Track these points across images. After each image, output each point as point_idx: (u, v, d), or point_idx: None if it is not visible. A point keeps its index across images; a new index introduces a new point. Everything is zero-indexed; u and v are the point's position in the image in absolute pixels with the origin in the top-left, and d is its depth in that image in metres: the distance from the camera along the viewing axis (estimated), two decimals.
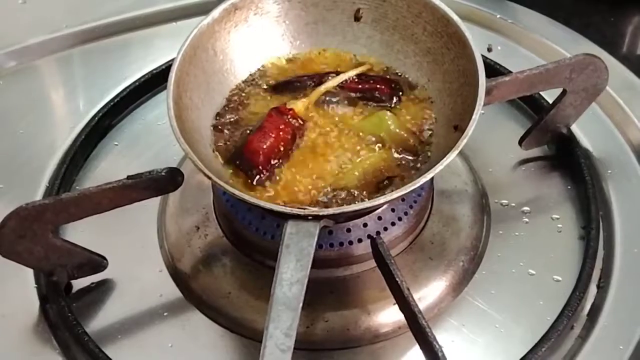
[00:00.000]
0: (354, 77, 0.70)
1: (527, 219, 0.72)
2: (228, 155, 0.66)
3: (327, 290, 0.66)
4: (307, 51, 0.74)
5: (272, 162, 0.65)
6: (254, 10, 0.71)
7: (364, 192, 0.63)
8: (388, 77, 0.71)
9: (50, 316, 0.67)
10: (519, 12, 0.90)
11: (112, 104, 0.83)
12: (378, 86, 0.70)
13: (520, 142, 0.76)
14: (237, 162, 0.65)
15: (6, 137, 0.82)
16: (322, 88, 0.70)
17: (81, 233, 0.71)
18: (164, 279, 0.70)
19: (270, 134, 0.65)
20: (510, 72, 0.74)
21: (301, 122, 0.67)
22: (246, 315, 0.66)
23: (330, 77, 0.70)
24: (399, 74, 0.71)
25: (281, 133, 0.66)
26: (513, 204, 0.74)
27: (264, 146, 0.65)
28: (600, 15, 0.90)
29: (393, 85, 0.70)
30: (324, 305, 0.65)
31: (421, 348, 0.59)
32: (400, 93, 0.70)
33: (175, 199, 0.73)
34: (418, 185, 0.58)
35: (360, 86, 0.70)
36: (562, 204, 0.74)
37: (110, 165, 0.80)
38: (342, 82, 0.70)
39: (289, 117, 0.67)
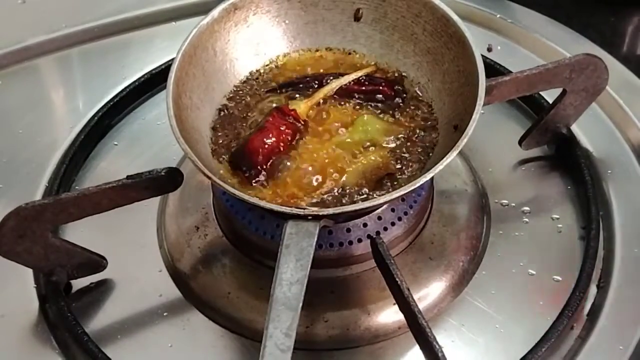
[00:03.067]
0: (357, 79, 0.70)
1: (527, 219, 0.72)
2: (228, 154, 0.66)
3: (327, 290, 0.66)
4: (307, 51, 0.74)
5: (272, 162, 0.65)
6: (254, 10, 0.71)
7: (364, 192, 0.63)
8: (394, 77, 0.71)
9: (49, 316, 0.67)
10: (519, 12, 0.90)
11: (111, 103, 0.83)
12: (381, 88, 0.70)
13: (520, 142, 0.76)
14: (237, 162, 0.65)
15: (6, 137, 0.82)
16: (325, 90, 0.70)
17: (81, 233, 0.71)
18: (164, 279, 0.70)
19: (271, 134, 0.65)
20: (510, 72, 0.74)
21: (302, 123, 0.67)
22: (246, 315, 0.66)
23: (332, 79, 0.70)
24: (402, 73, 0.71)
25: (282, 134, 0.66)
26: (513, 204, 0.74)
27: (265, 146, 0.65)
28: (600, 15, 0.90)
29: (396, 87, 0.70)
30: (324, 305, 0.65)
31: (421, 348, 0.59)
32: (404, 95, 0.70)
33: (175, 199, 0.73)
34: (418, 185, 0.58)
35: (363, 88, 0.70)
36: (562, 204, 0.74)
37: (110, 165, 0.80)
38: (344, 84, 0.70)
39: (290, 117, 0.67)
